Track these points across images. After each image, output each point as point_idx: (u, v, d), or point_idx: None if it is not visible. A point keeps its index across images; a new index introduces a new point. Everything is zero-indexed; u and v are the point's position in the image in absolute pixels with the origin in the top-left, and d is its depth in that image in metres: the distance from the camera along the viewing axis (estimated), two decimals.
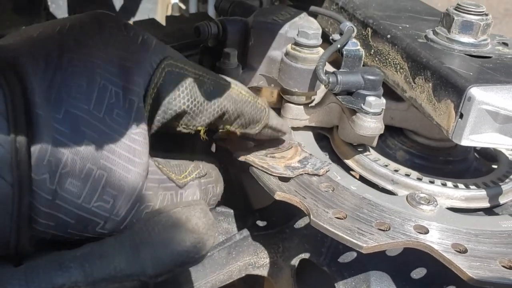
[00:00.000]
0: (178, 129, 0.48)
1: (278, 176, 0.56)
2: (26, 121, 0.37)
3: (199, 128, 0.49)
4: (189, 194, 0.49)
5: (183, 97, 0.46)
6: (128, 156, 0.42)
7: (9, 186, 0.36)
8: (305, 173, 0.57)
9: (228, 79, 0.51)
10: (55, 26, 0.43)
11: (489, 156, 0.71)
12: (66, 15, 1.20)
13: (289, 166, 0.58)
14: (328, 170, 0.59)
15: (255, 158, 0.58)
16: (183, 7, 1.55)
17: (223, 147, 0.61)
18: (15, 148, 0.36)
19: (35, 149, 0.37)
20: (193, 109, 0.47)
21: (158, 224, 0.42)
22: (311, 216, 0.51)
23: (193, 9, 1.48)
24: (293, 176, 0.56)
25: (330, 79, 0.58)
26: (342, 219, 0.51)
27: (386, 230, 0.50)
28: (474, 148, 0.73)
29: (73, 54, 0.41)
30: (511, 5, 2.99)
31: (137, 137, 0.42)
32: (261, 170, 0.57)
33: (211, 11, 1.42)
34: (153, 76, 0.44)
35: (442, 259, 0.49)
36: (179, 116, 0.46)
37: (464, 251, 0.49)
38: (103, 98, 0.41)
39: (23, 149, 0.36)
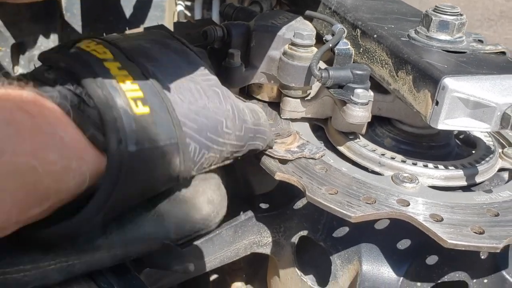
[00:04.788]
0: None
1: (279, 159, 0.63)
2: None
3: None
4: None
5: None
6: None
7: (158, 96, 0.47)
8: (303, 157, 0.65)
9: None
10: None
11: (470, 142, 0.78)
12: (80, 23, 1.28)
13: (289, 150, 0.65)
14: (323, 155, 0.66)
15: None
16: (189, 14, 1.63)
17: None
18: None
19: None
20: None
21: (178, 196, 0.50)
22: (307, 192, 0.58)
23: (198, 15, 1.56)
24: (293, 158, 0.64)
25: (323, 74, 0.66)
26: (334, 194, 0.58)
27: (372, 203, 0.58)
28: (457, 135, 0.80)
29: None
30: (506, 7, 3.06)
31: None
32: (264, 153, 0.64)
33: (215, 17, 1.50)
34: None
35: (421, 227, 0.56)
36: None
37: (441, 220, 0.57)
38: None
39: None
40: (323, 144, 0.73)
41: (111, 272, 0.48)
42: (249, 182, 0.84)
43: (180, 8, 1.60)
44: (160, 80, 0.48)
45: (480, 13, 3.11)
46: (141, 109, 0.44)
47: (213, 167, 0.53)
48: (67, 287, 0.45)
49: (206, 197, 0.51)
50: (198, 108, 0.49)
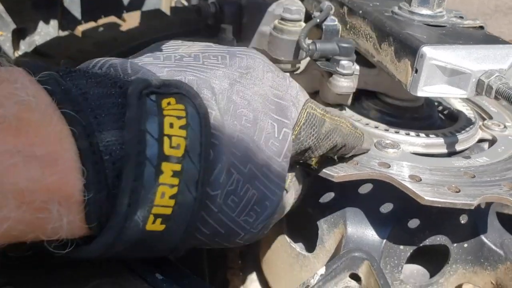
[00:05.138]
0: (297, 160, 0.55)
1: None
2: (211, 143, 0.41)
3: (313, 159, 0.57)
4: (289, 196, 0.57)
5: (314, 135, 0.53)
6: (277, 181, 0.47)
7: (193, 199, 0.40)
8: None
9: (338, 113, 0.58)
10: (216, 56, 0.50)
11: (453, 117, 0.82)
12: (79, 9, 1.32)
13: None
14: None
15: None
16: (185, 3, 1.67)
17: None
18: (203, 167, 0.40)
19: (215, 167, 0.41)
20: (316, 145, 0.53)
21: None
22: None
23: (195, 2, 1.60)
24: None
25: (310, 47, 0.69)
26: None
27: (354, 165, 0.61)
28: (441, 111, 0.84)
29: (239, 87, 0.47)
30: (501, 2, 3.10)
31: (286, 164, 0.49)
32: None
33: None
34: (299, 115, 0.51)
35: (400, 186, 0.59)
36: (304, 151, 0.53)
37: (419, 180, 0.60)
38: (263, 129, 0.47)
39: (208, 168, 0.41)
40: None
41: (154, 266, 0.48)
42: None
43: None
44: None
45: (476, 7, 3.15)
46: (155, 226, 0.40)
47: None
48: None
49: None
50: (225, 220, 0.45)
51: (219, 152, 0.42)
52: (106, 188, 0.37)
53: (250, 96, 0.47)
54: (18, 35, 1.27)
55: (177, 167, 0.39)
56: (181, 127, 0.39)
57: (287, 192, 0.55)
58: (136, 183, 0.37)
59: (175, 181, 0.39)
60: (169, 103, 0.40)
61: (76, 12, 1.31)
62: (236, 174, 0.44)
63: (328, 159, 0.60)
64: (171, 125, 0.39)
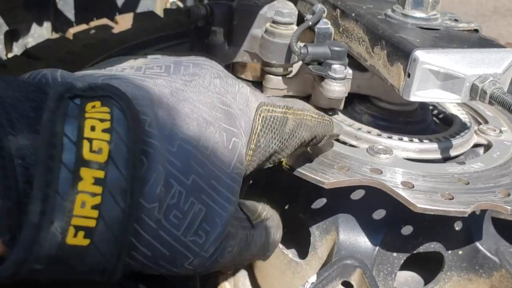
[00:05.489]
0: (265, 166, 0.53)
1: None
2: (144, 151, 0.38)
3: (282, 160, 0.54)
4: (258, 235, 0.52)
5: (276, 138, 0.50)
6: (227, 195, 0.43)
7: (121, 211, 0.36)
8: None
9: (301, 104, 0.55)
10: (160, 65, 0.47)
11: (448, 121, 0.80)
12: (72, 11, 1.30)
13: None
14: None
15: None
16: (181, 5, 1.66)
17: None
18: (131, 175, 0.37)
19: (149, 177, 0.38)
20: (281, 146, 0.51)
21: None
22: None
23: (190, 4, 1.58)
24: None
25: (302, 50, 0.68)
26: (309, 163, 0.61)
27: (346, 171, 0.60)
28: (435, 115, 0.82)
29: (181, 95, 0.44)
30: (500, 3, 3.09)
31: (237, 177, 0.45)
32: None
33: None
34: (253, 122, 0.48)
35: (392, 193, 0.58)
36: (270, 156, 0.51)
37: (412, 187, 0.59)
38: (210, 138, 0.43)
39: (139, 177, 0.37)
40: None
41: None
42: None
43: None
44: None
45: (475, 9, 3.14)
46: (77, 241, 0.36)
47: None
48: None
49: None
50: (167, 239, 0.41)
51: (154, 161, 0.38)
52: (16, 195, 0.34)
53: (194, 104, 0.44)
54: (11, 36, 1.26)
55: (100, 173, 0.35)
56: (104, 130, 0.36)
57: (252, 228, 0.51)
58: (49, 190, 0.34)
59: (98, 189, 0.35)
60: (93, 106, 0.37)
61: (70, 13, 1.30)
62: (177, 186, 0.40)
63: (300, 154, 0.58)
64: (93, 128, 0.36)
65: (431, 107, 0.82)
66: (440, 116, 0.83)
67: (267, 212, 0.56)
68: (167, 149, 0.40)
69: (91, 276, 0.40)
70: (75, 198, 0.35)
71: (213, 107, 0.46)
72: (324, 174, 0.58)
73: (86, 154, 0.35)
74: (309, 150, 0.58)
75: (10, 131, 0.35)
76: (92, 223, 0.36)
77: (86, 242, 0.36)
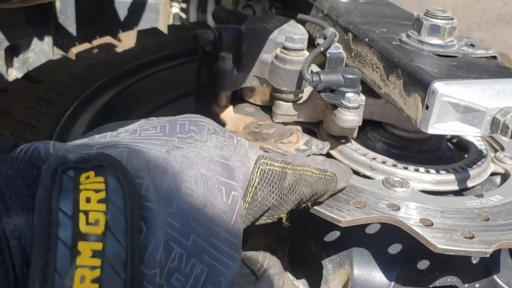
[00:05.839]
0: (263, 221, 0.51)
1: None
2: (142, 216, 0.37)
3: (282, 216, 0.52)
4: (264, 287, 0.51)
5: (274, 192, 0.49)
6: (229, 252, 0.42)
7: (122, 282, 0.35)
8: (313, 154, 0.66)
9: (301, 160, 0.54)
10: (155, 126, 0.47)
11: (462, 146, 0.78)
12: (74, 25, 1.28)
13: (298, 149, 0.66)
14: (329, 149, 0.68)
15: (269, 146, 0.67)
16: (184, 16, 1.63)
17: None
18: (131, 244, 0.35)
19: (149, 243, 0.37)
20: (280, 201, 0.50)
21: None
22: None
23: (193, 18, 1.56)
24: (305, 157, 0.65)
25: (314, 78, 0.66)
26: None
27: (362, 207, 0.57)
28: (449, 139, 0.80)
29: (178, 152, 0.43)
30: (504, 10, 3.07)
31: (238, 232, 0.44)
32: None
33: (210, 20, 1.50)
34: (251, 174, 0.47)
35: (410, 232, 0.56)
36: (269, 209, 0.50)
37: (431, 224, 0.56)
38: (209, 194, 0.42)
39: (138, 244, 0.36)
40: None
41: None
42: None
43: (175, 10, 1.61)
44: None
45: (478, 16, 3.12)
46: None
47: None
48: None
49: None
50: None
51: (152, 226, 0.37)
52: (14, 278, 0.33)
53: (191, 160, 0.43)
54: (11, 52, 1.24)
55: (98, 245, 0.34)
56: (99, 201, 0.35)
57: (258, 280, 0.51)
58: (47, 269, 0.33)
59: (97, 262, 0.34)
60: (88, 177, 0.36)
61: (71, 28, 1.28)
62: (178, 248, 0.39)
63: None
64: (88, 200, 0.35)
65: None
66: (454, 141, 0.81)
67: (268, 261, 0.54)
68: (165, 211, 0.39)
69: None
70: (74, 274, 0.33)
71: (211, 161, 0.44)
72: (340, 212, 0.56)
73: (83, 227, 0.34)
74: (309, 206, 0.56)
75: (5, 212, 0.34)
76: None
77: None
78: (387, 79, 0.65)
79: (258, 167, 0.48)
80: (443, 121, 0.58)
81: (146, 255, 0.37)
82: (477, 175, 0.68)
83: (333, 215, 0.56)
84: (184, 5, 1.62)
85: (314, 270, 0.71)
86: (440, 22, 0.66)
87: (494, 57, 0.67)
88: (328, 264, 0.67)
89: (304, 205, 0.54)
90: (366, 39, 0.70)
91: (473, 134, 0.59)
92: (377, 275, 0.65)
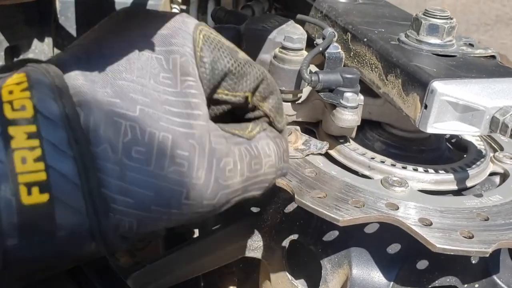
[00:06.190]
0: (227, 97, 0.46)
1: (291, 158, 0.64)
2: (74, 102, 0.37)
3: (247, 94, 0.47)
4: (263, 145, 0.47)
5: (226, 55, 0.45)
6: (186, 112, 0.40)
7: (72, 159, 0.35)
8: (311, 153, 0.66)
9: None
10: (92, 29, 0.47)
11: (461, 146, 0.78)
12: (74, 26, 1.28)
13: (297, 149, 0.66)
14: (327, 148, 0.68)
15: None
16: None
17: None
18: (68, 124, 0.36)
19: (88, 123, 0.37)
20: (237, 68, 0.45)
21: None
22: (295, 196, 0.58)
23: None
24: (303, 157, 0.66)
25: (313, 78, 0.66)
26: (322, 198, 0.58)
27: (361, 207, 0.57)
28: (448, 139, 0.80)
29: (109, 38, 0.43)
30: (502, 12, 3.07)
31: (190, 90, 0.41)
32: None
33: (210, 21, 1.50)
34: (193, 35, 0.44)
35: (409, 231, 0.55)
36: (225, 75, 0.45)
37: (430, 224, 0.56)
38: (146, 66, 0.41)
39: (76, 125, 0.36)
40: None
41: (96, 275, 0.48)
42: None
43: (175, 11, 1.61)
44: (91, 131, 0.37)
45: (477, 17, 3.13)
46: (35, 198, 0.35)
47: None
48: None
49: None
50: (142, 177, 0.38)
51: (87, 107, 0.37)
52: None
53: (121, 42, 0.42)
54: (11, 53, 1.24)
55: (31, 128, 0.35)
56: (22, 90, 0.36)
57: (250, 140, 0.46)
58: None
59: (35, 142, 0.35)
60: (11, 78, 0.38)
61: (71, 29, 1.28)
62: (126, 122, 0.38)
63: None
64: (11, 92, 0.37)
65: None
66: (453, 140, 0.81)
67: (262, 125, 0.49)
68: (100, 91, 0.39)
69: (83, 248, 0.37)
70: (13, 157, 0.34)
71: (145, 35, 0.43)
72: (338, 211, 0.56)
73: (9, 113, 0.35)
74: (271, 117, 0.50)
75: None
76: (42, 176, 0.35)
77: (45, 197, 0.35)
78: (385, 78, 0.65)
79: (201, 31, 0.44)
80: (442, 120, 0.58)
81: (90, 134, 0.37)
82: (476, 175, 0.68)
83: (331, 215, 0.55)
84: (184, 7, 1.62)
85: (313, 270, 0.71)
86: (439, 21, 0.66)
87: (493, 57, 0.67)
88: (327, 264, 0.67)
89: (264, 103, 0.49)
90: (365, 39, 0.70)
91: (472, 133, 0.59)
92: (376, 275, 0.64)
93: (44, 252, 0.37)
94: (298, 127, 0.72)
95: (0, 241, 0.34)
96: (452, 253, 0.53)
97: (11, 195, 0.34)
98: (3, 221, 0.34)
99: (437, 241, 0.53)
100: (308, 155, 0.66)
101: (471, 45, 0.70)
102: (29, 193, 0.35)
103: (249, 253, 0.75)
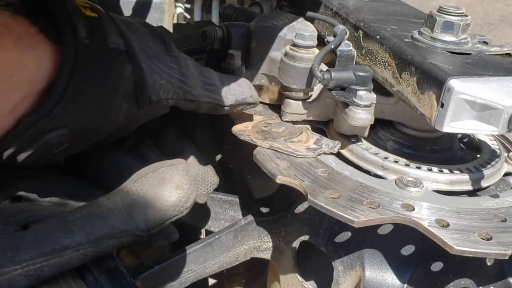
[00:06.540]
0: None
1: (303, 158, 0.63)
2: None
3: None
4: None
5: None
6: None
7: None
8: (323, 153, 0.65)
9: None
10: None
11: (474, 146, 0.77)
12: None
13: (308, 148, 0.65)
14: (339, 148, 0.67)
15: (279, 145, 0.65)
16: (188, 16, 1.62)
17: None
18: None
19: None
20: None
21: (145, 184, 0.48)
22: (309, 196, 0.57)
23: (197, 18, 1.55)
24: (315, 156, 0.64)
25: (325, 76, 0.65)
26: (336, 198, 0.57)
27: (376, 208, 0.56)
28: (460, 139, 0.79)
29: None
30: (506, 12, 3.06)
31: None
32: (288, 154, 0.64)
33: (215, 19, 1.49)
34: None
35: (426, 233, 0.54)
36: None
37: (447, 225, 0.55)
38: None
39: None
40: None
41: (105, 276, 0.46)
42: (247, 186, 0.82)
43: (179, 10, 1.59)
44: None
45: (481, 17, 3.12)
46: (89, 12, 0.49)
47: (170, 102, 0.56)
48: (54, 285, 0.43)
49: (174, 183, 0.49)
50: (143, 46, 0.54)
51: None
52: None
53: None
54: None
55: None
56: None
57: None
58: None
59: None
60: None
61: None
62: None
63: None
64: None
65: None
66: (465, 140, 0.79)
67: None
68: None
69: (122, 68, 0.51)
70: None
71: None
72: (353, 212, 0.55)
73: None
74: None
75: None
76: (87, 5, 0.50)
77: (95, 14, 0.50)
78: (399, 76, 0.64)
79: None
80: (458, 119, 0.57)
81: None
82: (491, 175, 0.66)
83: (346, 216, 0.54)
84: (188, 5, 1.61)
85: (323, 272, 0.70)
86: (453, 18, 0.65)
87: (509, 55, 0.65)
88: (338, 265, 0.66)
89: None
90: (378, 37, 0.69)
91: (489, 132, 0.57)
92: (390, 277, 0.63)
93: (103, 60, 0.49)
94: (309, 126, 0.71)
95: (77, 36, 0.47)
96: (470, 255, 0.52)
97: (74, 8, 0.48)
98: (75, 20, 0.48)
99: (455, 243, 0.52)
100: (320, 154, 0.65)
101: (485, 42, 0.69)
102: (85, 9, 0.49)
103: (258, 254, 0.74)
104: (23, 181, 0.51)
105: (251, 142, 0.66)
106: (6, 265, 0.40)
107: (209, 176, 0.64)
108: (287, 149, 0.64)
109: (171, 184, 0.49)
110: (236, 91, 0.64)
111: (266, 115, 0.74)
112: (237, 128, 0.68)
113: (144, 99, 0.53)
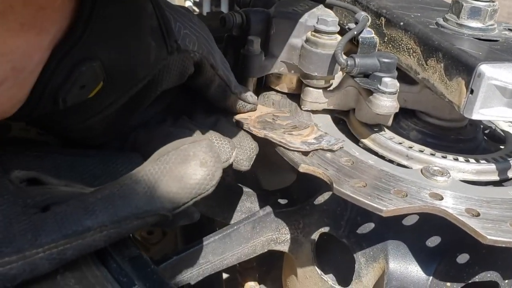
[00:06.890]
0: None
1: (295, 150, 0.60)
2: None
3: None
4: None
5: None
6: None
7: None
8: (320, 149, 0.61)
9: None
10: None
11: (495, 137, 0.75)
12: None
13: (305, 142, 0.62)
14: (342, 147, 0.62)
15: (273, 135, 0.62)
16: (197, 10, 1.61)
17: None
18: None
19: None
20: None
21: (168, 162, 0.46)
22: (334, 185, 0.55)
23: (206, 11, 1.53)
24: (309, 150, 0.60)
25: (349, 62, 0.63)
26: (362, 187, 0.55)
27: (404, 197, 0.54)
28: (483, 130, 0.77)
29: None
30: None
31: None
32: (279, 145, 0.61)
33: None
34: None
35: (457, 222, 0.52)
36: None
37: (477, 215, 0.53)
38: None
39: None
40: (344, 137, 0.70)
41: (128, 263, 0.45)
42: (258, 179, 0.81)
43: (188, 3, 1.58)
44: None
45: None
46: None
47: (197, 55, 0.56)
48: (77, 273, 0.41)
49: (199, 160, 0.46)
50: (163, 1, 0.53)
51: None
52: None
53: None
54: None
55: None
56: None
57: None
58: None
59: None
60: None
61: None
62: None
63: None
64: None
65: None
66: (487, 131, 0.78)
67: None
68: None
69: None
70: None
71: None
72: (381, 200, 0.53)
73: None
74: None
75: None
76: None
77: None
78: (425, 63, 0.62)
79: None
80: (488, 106, 0.55)
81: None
82: None
83: (374, 204, 0.52)
84: None
85: (343, 264, 0.68)
86: (481, 4, 0.63)
87: None
88: (360, 257, 0.64)
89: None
90: (401, 23, 0.67)
91: None
92: (414, 269, 0.61)
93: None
94: (317, 124, 0.68)
95: None
96: (503, 245, 0.50)
97: None
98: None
99: (487, 233, 0.50)
100: (316, 149, 0.61)
101: (510, 30, 0.67)
102: None
103: (276, 247, 0.72)
104: (38, 160, 0.49)
105: (248, 130, 0.63)
106: (28, 248, 0.38)
107: (246, 142, 0.61)
108: (281, 140, 0.61)
109: (195, 161, 0.46)
110: (239, 86, 0.65)
111: (282, 106, 0.72)
112: (239, 116, 0.66)
113: (171, 41, 0.53)
